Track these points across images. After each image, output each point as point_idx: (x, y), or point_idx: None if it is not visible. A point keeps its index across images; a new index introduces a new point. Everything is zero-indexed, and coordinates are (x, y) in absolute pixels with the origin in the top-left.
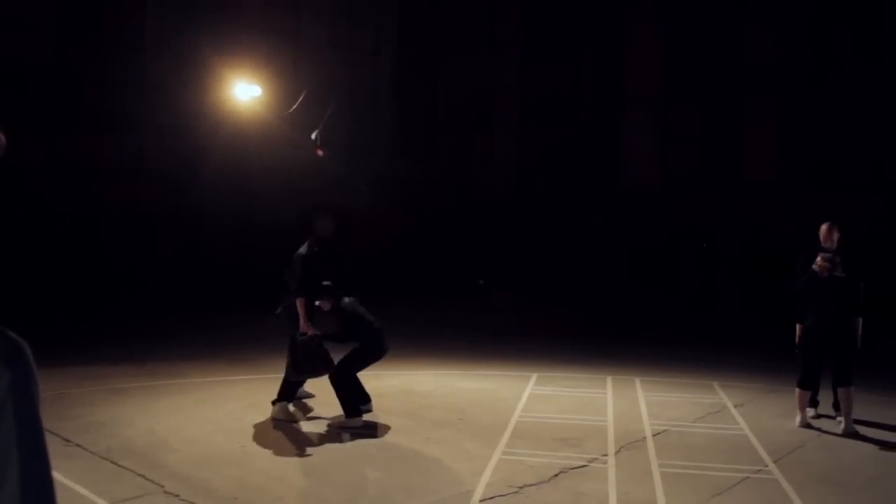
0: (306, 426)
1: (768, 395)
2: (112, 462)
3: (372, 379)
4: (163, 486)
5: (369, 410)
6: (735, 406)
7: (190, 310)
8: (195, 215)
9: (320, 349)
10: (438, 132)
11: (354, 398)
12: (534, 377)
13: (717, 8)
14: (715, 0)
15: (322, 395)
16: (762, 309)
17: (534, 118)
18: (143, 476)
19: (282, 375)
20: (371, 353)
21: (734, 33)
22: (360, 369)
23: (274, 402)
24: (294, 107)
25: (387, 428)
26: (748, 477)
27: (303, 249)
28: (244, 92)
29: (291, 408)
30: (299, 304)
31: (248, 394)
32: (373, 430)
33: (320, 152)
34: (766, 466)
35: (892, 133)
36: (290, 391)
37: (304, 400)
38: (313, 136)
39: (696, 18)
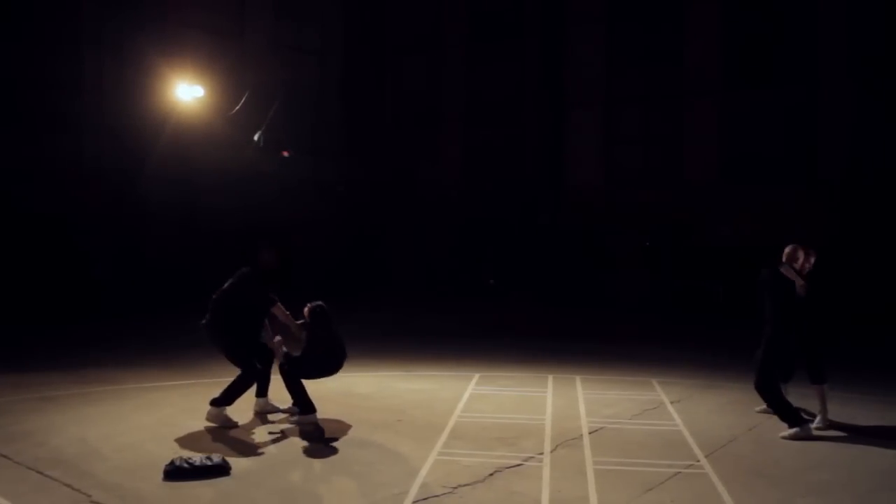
0: (240, 432)
1: (705, 392)
2: (38, 472)
3: (312, 382)
4: (90, 496)
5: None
6: (672, 402)
7: (127, 313)
8: (136, 217)
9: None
10: (385, 133)
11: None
12: (476, 377)
13: (657, 10)
14: (656, 2)
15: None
16: (703, 306)
17: (480, 118)
18: (70, 486)
19: (225, 380)
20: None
21: (674, 35)
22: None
23: (212, 403)
24: (237, 107)
25: (324, 431)
26: (679, 472)
27: (246, 270)
28: (186, 92)
29: (228, 413)
30: (277, 310)
31: (184, 399)
32: (319, 432)
33: (286, 153)
34: (698, 461)
35: (826, 131)
36: (232, 397)
37: (270, 414)
38: (256, 138)
39: (637, 20)
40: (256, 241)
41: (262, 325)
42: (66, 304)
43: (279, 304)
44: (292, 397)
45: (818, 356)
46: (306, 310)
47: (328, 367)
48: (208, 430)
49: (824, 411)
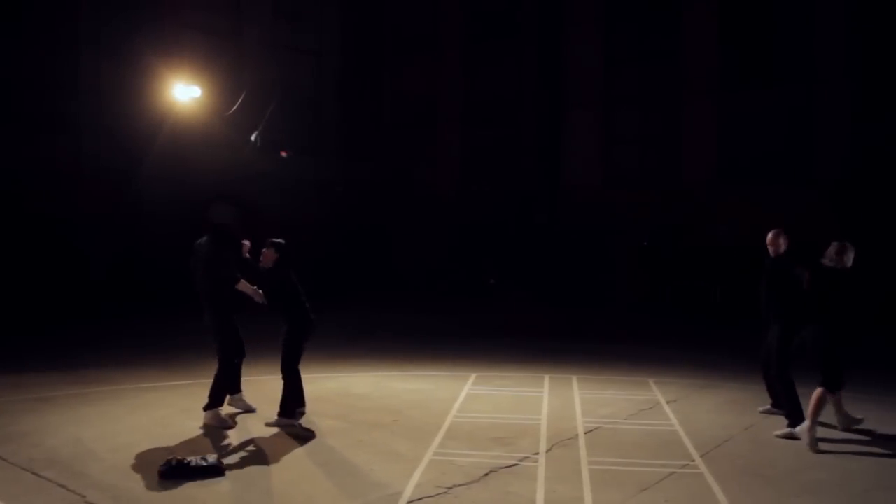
0: (237, 432)
1: (701, 391)
2: (33, 473)
3: (309, 382)
4: (84, 497)
5: (302, 413)
6: (668, 402)
7: (125, 313)
8: (133, 217)
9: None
10: (382, 133)
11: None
12: (472, 377)
13: (655, 10)
14: (653, 2)
15: (258, 405)
16: (701, 306)
17: (477, 119)
18: (64, 487)
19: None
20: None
21: (672, 35)
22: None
23: (205, 409)
24: (234, 108)
25: (319, 431)
26: (675, 472)
27: (204, 240)
28: (184, 92)
29: (223, 414)
30: (241, 286)
31: (181, 399)
32: (305, 434)
33: (284, 154)
34: (693, 461)
35: (824, 131)
36: (220, 396)
37: (245, 413)
38: (253, 138)
39: (634, 20)
40: (212, 203)
41: (230, 300)
42: (63, 304)
43: (243, 280)
44: (284, 394)
45: (834, 362)
46: (266, 247)
47: (302, 319)
48: (204, 430)
49: (840, 416)
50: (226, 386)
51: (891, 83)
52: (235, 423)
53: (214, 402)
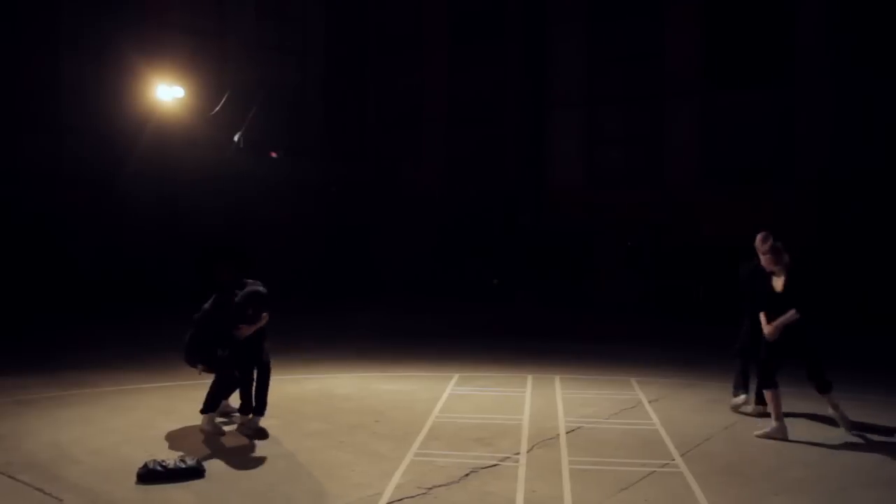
0: (216, 435)
1: (683, 390)
2: (9, 476)
3: (291, 383)
4: (62, 500)
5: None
6: (650, 401)
7: (107, 314)
8: (116, 217)
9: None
10: (367, 133)
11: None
12: (455, 377)
13: (638, 10)
14: (636, 2)
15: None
16: (685, 305)
17: (462, 118)
18: (41, 490)
19: (202, 382)
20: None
21: (655, 35)
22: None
23: (202, 412)
24: (217, 108)
25: (301, 432)
26: (654, 471)
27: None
28: (166, 93)
29: (217, 420)
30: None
31: (161, 401)
32: (285, 435)
33: (274, 155)
34: (673, 460)
35: (806, 131)
36: (215, 401)
37: (233, 415)
38: (236, 139)
39: (618, 20)
40: (213, 255)
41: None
42: (46, 304)
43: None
44: (259, 394)
45: (817, 363)
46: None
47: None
48: (184, 432)
49: (842, 417)
50: (221, 395)
51: (873, 83)
52: (225, 429)
53: (208, 406)
